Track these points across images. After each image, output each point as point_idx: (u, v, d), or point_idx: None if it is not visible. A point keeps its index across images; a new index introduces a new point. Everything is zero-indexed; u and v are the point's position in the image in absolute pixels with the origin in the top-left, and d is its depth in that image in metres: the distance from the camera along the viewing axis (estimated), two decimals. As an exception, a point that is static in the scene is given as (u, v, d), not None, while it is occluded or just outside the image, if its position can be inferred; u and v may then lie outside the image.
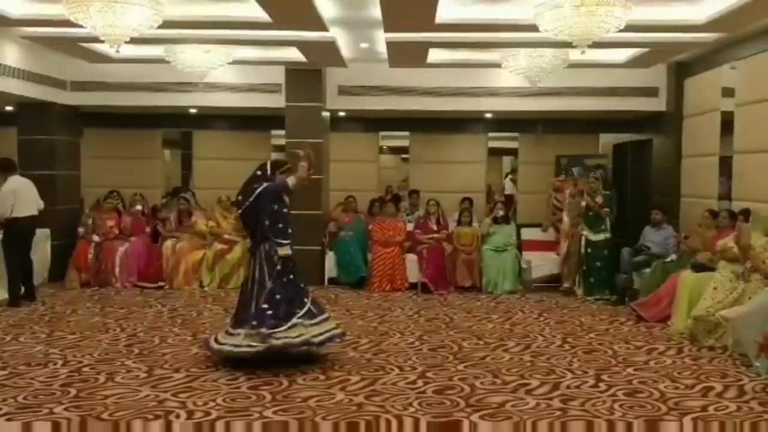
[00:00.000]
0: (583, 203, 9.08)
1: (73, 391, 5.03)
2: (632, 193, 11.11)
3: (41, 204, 8.43)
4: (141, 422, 4.42)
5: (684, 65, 9.58)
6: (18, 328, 7.02)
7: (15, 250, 8.17)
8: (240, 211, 5.95)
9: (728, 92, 8.44)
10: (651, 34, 7.82)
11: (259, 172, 5.92)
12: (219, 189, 10.62)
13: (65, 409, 4.65)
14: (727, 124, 8.38)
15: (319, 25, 7.43)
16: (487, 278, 9.46)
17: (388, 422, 4.49)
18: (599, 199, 8.99)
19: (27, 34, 8.27)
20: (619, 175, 11.53)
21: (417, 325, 7.43)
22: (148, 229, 10.12)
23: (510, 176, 15.30)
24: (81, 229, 9.82)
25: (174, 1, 6.77)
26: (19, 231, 8.17)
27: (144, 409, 4.66)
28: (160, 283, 9.44)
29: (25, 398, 4.87)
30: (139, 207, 9.96)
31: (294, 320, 5.68)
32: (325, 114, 10.39)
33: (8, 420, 4.44)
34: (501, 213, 9.90)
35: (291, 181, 5.86)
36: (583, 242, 9.09)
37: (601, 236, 8.99)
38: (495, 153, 14.00)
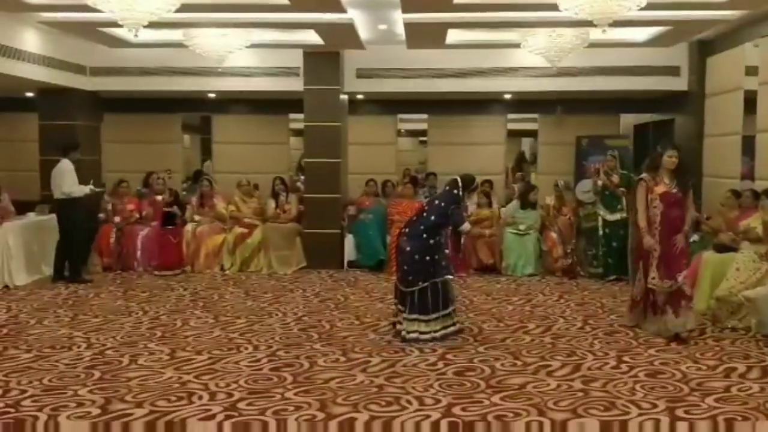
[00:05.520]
0: (600, 182, 9.01)
1: (97, 374, 5.09)
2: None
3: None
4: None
5: (706, 43, 9.45)
6: (42, 312, 7.11)
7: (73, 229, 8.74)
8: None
9: (752, 71, 8.32)
10: (673, 12, 7.72)
11: (455, 191, 6.25)
12: (239, 173, 10.67)
13: (89, 391, 4.71)
14: (750, 102, 8.27)
15: (337, 6, 7.39)
16: (508, 262, 9.42)
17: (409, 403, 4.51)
18: (615, 179, 8.91)
19: (46, 19, 8.31)
20: (641, 156, 11.41)
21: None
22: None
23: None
24: (102, 215, 9.88)
25: (191, -16, 6.78)
26: (78, 210, 8.73)
27: (167, 391, 4.72)
28: (178, 271, 9.39)
29: (50, 381, 4.93)
30: (159, 198, 9.93)
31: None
32: (343, 97, 10.37)
33: (35, 402, 4.51)
34: (535, 198, 9.81)
35: (466, 227, 6.47)
36: (600, 222, 9.03)
37: (617, 216, 8.92)
38: (514, 135, 13.91)
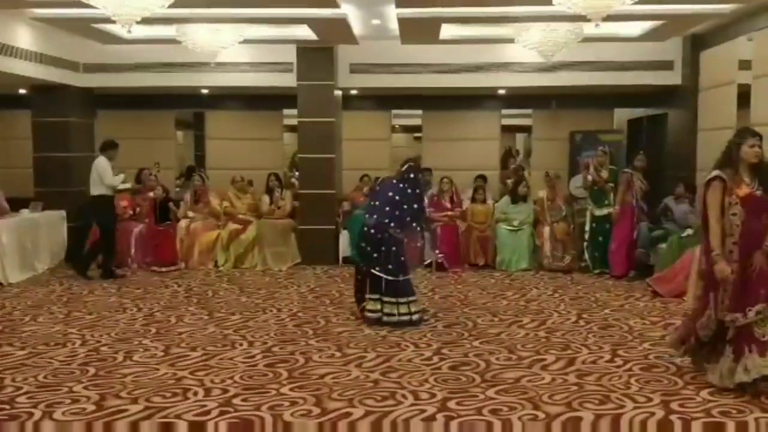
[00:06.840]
0: (589, 177, 9.04)
1: (92, 370, 5.08)
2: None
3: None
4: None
5: (700, 37, 9.46)
6: (36, 309, 7.09)
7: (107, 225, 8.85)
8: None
9: (745, 65, 8.33)
10: (666, 6, 7.72)
11: (412, 175, 6.50)
12: (232, 169, 10.65)
13: (84, 387, 4.70)
14: (744, 96, 8.28)
15: (330, 1, 7.38)
16: (502, 257, 9.44)
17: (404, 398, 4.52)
18: (604, 174, 8.95)
19: (38, 15, 8.28)
20: (634, 150, 11.41)
21: (432, 302, 7.44)
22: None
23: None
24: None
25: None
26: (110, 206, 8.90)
27: (162, 387, 4.71)
28: (172, 267, 9.36)
29: (45, 377, 4.92)
30: (151, 194, 9.88)
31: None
32: (337, 92, 10.35)
33: (29, 398, 4.50)
34: (525, 191, 9.82)
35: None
36: (588, 217, 9.08)
37: (605, 211, 8.96)
38: (508, 130, 13.91)
